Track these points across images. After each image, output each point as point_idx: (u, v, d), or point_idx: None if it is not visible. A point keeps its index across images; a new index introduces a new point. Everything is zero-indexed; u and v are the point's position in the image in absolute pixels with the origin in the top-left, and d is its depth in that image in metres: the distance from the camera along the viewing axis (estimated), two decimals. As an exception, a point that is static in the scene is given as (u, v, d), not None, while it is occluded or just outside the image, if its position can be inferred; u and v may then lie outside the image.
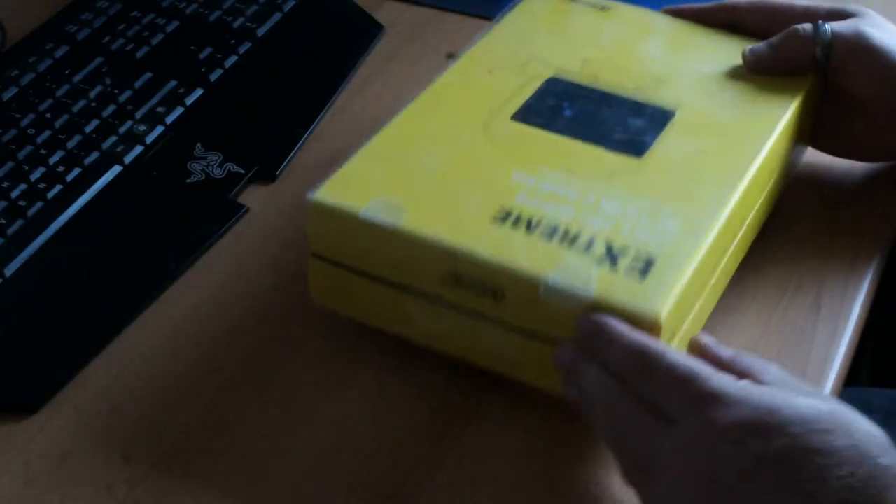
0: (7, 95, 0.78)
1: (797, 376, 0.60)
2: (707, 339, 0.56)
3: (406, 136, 0.63)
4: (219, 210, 0.71)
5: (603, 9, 0.74)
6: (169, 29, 0.85)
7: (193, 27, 0.85)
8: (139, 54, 0.82)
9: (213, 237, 0.69)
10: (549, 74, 0.68)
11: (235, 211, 0.71)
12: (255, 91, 0.81)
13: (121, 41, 0.83)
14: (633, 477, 0.51)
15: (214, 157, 0.74)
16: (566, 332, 0.54)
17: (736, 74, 0.68)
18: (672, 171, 0.61)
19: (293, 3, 0.87)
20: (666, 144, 0.63)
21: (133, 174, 0.73)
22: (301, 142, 0.76)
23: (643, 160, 0.61)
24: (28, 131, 0.75)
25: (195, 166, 0.73)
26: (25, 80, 0.80)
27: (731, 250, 0.62)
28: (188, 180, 0.72)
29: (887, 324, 0.93)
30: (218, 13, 0.86)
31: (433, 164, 0.61)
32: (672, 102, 0.65)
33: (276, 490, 0.56)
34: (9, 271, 0.66)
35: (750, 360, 0.53)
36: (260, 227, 0.70)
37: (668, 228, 0.57)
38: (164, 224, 0.70)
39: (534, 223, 0.57)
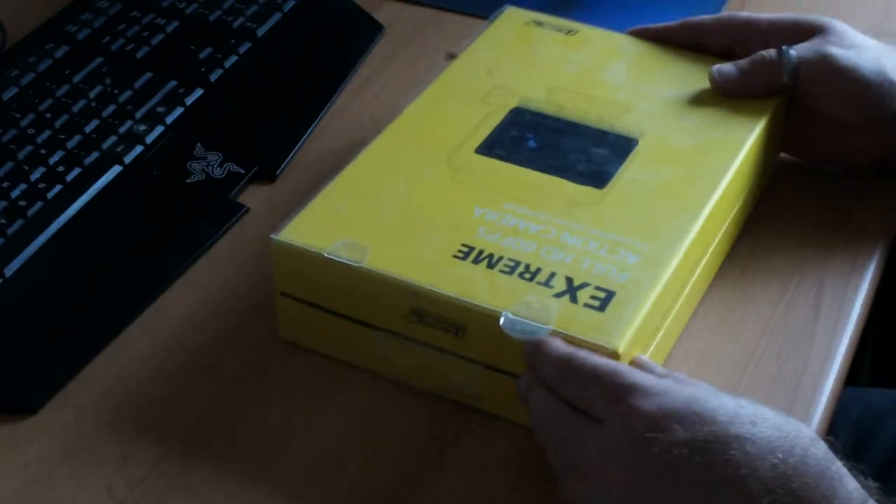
0: (7, 95, 0.78)
1: (797, 376, 0.61)
2: (643, 358, 0.56)
3: (370, 173, 0.64)
4: (219, 210, 0.71)
5: (569, 32, 0.74)
6: (169, 29, 0.85)
7: (193, 27, 0.85)
8: (139, 54, 0.82)
9: (213, 237, 0.69)
10: (514, 104, 0.68)
11: (235, 211, 0.71)
12: (255, 91, 0.81)
13: (121, 41, 0.83)
14: (573, 488, 0.51)
15: (214, 157, 0.74)
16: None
17: (701, 98, 0.68)
18: (633, 203, 0.61)
19: (293, 3, 0.87)
20: (628, 175, 0.63)
21: (133, 174, 0.73)
22: (301, 142, 0.76)
23: (605, 191, 0.62)
24: (28, 131, 0.75)
25: (195, 166, 0.73)
26: (25, 80, 0.80)
27: (694, 277, 0.62)
28: (188, 180, 0.72)
29: (887, 324, 0.93)
30: (218, 13, 0.86)
31: (396, 200, 0.62)
32: (636, 130, 0.66)
33: (276, 490, 0.56)
34: (9, 271, 0.66)
35: (681, 374, 0.53)
36: (260, 227, 0.70)
37: (628, 262, 0.58)
38: (164, 224, 0.70)
39: (495, 259, 0.58)
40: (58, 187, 0.71)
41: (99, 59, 0.81)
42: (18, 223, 0.68)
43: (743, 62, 0.68)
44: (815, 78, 0.66)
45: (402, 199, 0.62)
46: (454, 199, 0.62)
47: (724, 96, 0.68)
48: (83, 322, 0.64)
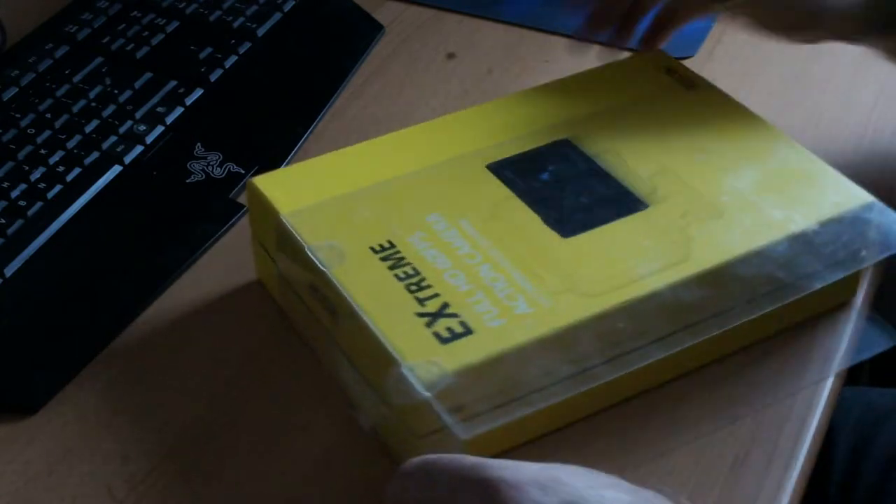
0: (7, 95, 0.78)
1: (796, 376, 0.61)
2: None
3: (375, 149, 0.65)
4: (219, 210, 0.71)
5: (690, 87, 0.70)
6: (169, 29, 0.85)
7: (193, 27, 0.85)
8: (139, 54, 0.82)
9: (213, 237, 0.69)
10: (564, 136, 0.66)
11: (235, 211, 0.71)
12: (255, 91, 0.81)
13: (121, 41, 0.83)
14: None
15: (214, 157, 0.74)
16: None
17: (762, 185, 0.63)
18: (581, 260, 0.58)
19: (293, 3, 0.87)
20: (601, 235, 0.60)
21: (133, 174, 0.73)
22: (301, 142, 0.76)
23: (567, 241, 0.59)
24: (28, 131, 0.75)
25: (195, 166, 0.73)
26: (25, 80, 0.80)
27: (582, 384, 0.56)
28: (188, 180, 0.72)
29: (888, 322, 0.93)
30: (218, 13, 0.86)
31: (374, 178, 0.62)
32: (655, 198, 0.62)
33: (276, 490, 0.56)
34: (9, 271, 0.66)
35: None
36: (260, 226, 0.70)
37: (516, 310, 0.55)
38: (164, 224, 0.70)
39: (402, 262, 0.57)
40: (58, 187, 0.71)
41: (99, 59, 0.81)
42: (18, 223, 0.68)
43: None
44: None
45: (379, 180, 0.62)
46: (421, 198, 0.61)
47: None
48: (83, 322, 0.64)
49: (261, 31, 0.85)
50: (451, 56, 0.81)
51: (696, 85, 0.69)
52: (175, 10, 0.86)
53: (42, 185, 0.71)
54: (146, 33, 0.84)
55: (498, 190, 0.62)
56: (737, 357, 0.61)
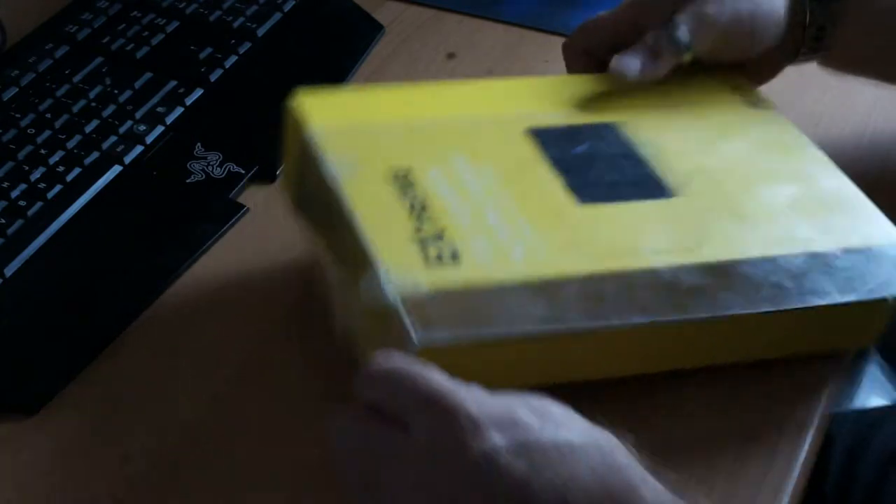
0: (7, 95, 0.78)
1: (797, 376, 0.61)
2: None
3: (421, 92, 0.66)
4: (219, 210, 0.71)
5: (752, 105, 0.69)
6: (169, 29, 0.85)
7: (193, 27, 0.85)
8: (139, 54, 0.82)
9: (213, 237, 0.69)
10: (610, 120, 0.66)
11: (235, 211, 0.71)
12: (255, 91, 0.81)
13: (121, 41, 0.83)
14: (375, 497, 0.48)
15: (214, 157, 0.74)
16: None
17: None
18: (587, 226, 0.58)
19: (293, 3, 0.87)
20: (617, 210, 0.60)
21: (133, 174, 0.73)
22: (301, 142, 0.76)
23: (579, 208, 0.59)
24: (28, 131, 0.75)
25: (195, 166, 0.73)
26: (25, 80, 0.80)
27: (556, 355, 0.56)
28: (188, 180, 0.72)
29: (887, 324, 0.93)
30: (218, 13, 0.86)
31: (409, 112, 0.64)
32: (683, 191, 0.62)
33: (277, 490, 0.56)
34: (9, 271, 0.66)
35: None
36: (260, 227, 0.70)
37: (510, 251, 0.56)
38: (164, 224, 0.70)
39: (412, 191, 0.58)
40: (58, 187, 0.71)
41: (99, 59, 0.81)
42: (18, 223, 0.68)
43: (641, 56, 0.67)
44: (709, 45, 0.67)
45: (416, 117, 0.63)
46: (452, 140, 0.62)
47: (638, 83, 0.66)
48: (83, 322, 0.64)
49: (261, 31, 0.85)
50: (451, 56, 0.81)
51: (758, 104, 0.69)
52: (175, 10, 0.86)
53: (42, 185, 0.71)
54: (146, 33, 0.84)
55: (529, 151, 0.63)
56: (736, 371, 0.60)
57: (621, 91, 0.67)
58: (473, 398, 0.47)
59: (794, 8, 0.69)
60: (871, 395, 0.62)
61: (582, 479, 0.45)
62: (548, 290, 0.55)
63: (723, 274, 0.57)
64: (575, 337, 0.55)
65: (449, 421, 0.46)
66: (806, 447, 0.58)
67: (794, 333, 0.59)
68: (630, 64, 0.66)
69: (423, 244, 0.55)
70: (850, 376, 0.63)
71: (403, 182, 0.59)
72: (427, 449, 0.46)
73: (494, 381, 0.51)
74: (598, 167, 0.62)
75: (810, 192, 0.63)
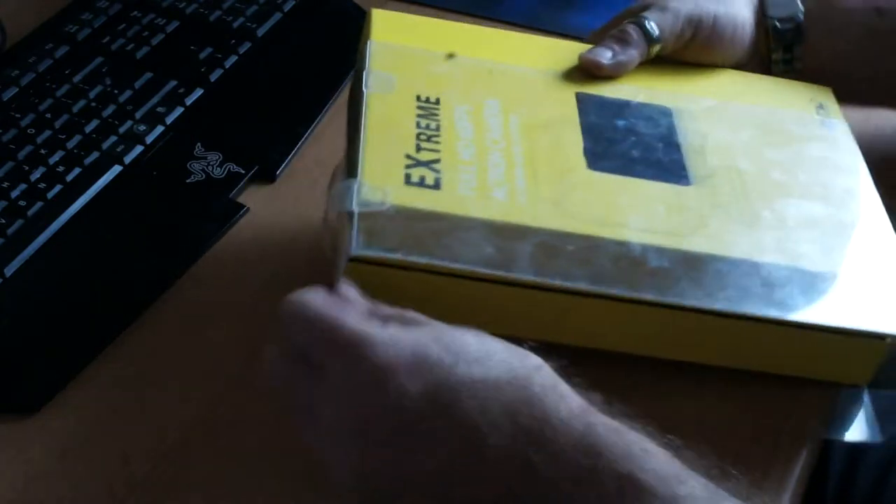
0: (7, 95, 0.78)
1: (797, 379, 0.61)
2: (352, 293, 0.52)
3: (491, 36, 0.69)
4: (219, 210, 0.71)
5: (826, 126, 0.69)
6: (169, 29, 0.85)
7: (193, 27, 0.85)
8: (139, 54, 0.82)
9: (213, 237, 0.69)
10: (669, 105, 0.67)
11: (235, 211, 0.71)
12: (255, 91, 0.81)
13: (121, 41, 0.83)
14: (308, 433, 0.50)
15: (214, 157, 0.74)
16: None
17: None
18: (584, 189, 0.59)
19: (293, 3, 0.87)
20: (623, 183, 0.60)
21: (133, 174, 0.73)
22: (301, 142, 0.76)
23: (586, 172, 0.60)
24: (28, 131, 0.75)
25: (195, 166, 0.73)
26: (25, 80, 0.80)
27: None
28: (188, 180, 0.72)
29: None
30: (218, 13, 0.86)
31: (472, 50, 0.67)
32: (703, 182, 0.62)
33: (276, 490, 0.56)
34: (9, 271, 0.66)
35: (410, 313, 0.51)
36: (260, 227, 0.70)
37: (493, 193, 0.57)
38: (164, 224, 0.70)
39: (433, 118, 0.61)
40: (58, 187, 0.71)
41: (99, 59, 0.81)
42: (18, 223, 0.68)
43: (612, 47, 0.68)
44: (674, 37, 0.69)
45: (476, 56, 0.66)
46: (495, 84, 0.64)
47: (603, 79, 0.67)
48: (83, 322, 0.64)
49: (261, 31, 0.85)
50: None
51: (831, 121, 0.68)
52: (175, 10, 0.86)
53: (42, 185, 0.71)
54: (146, 33, 0.84)
55: (568, 112, 0.64)
56: (734, 372, 0.60)
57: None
58: (385, 342, 0.47)
59: (759, 22, 0.71)
60: (858, 429, 0.61)
61: (493, 415, 0.46)
62: (505, 234, 0.55)
63: (694, 264, 0.57)
64: (513, 288, 0.54)
65: (359, 369, 0.47)
66: (805, 451, 0.58)
67: (763, 347, 0.58)
68: (602, 52, 0.68)
69: (412, 166, 0.57)
70: (841, 407, 0.62)
71: (428, 108, 0.61)
72: (341, 394, 0.47)
73: (431, 313, 0.51)
74: (628, 142, 0.63)
75: (836, 216, 0.62)
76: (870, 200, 0.64)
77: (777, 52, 0.72)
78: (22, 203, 0.69)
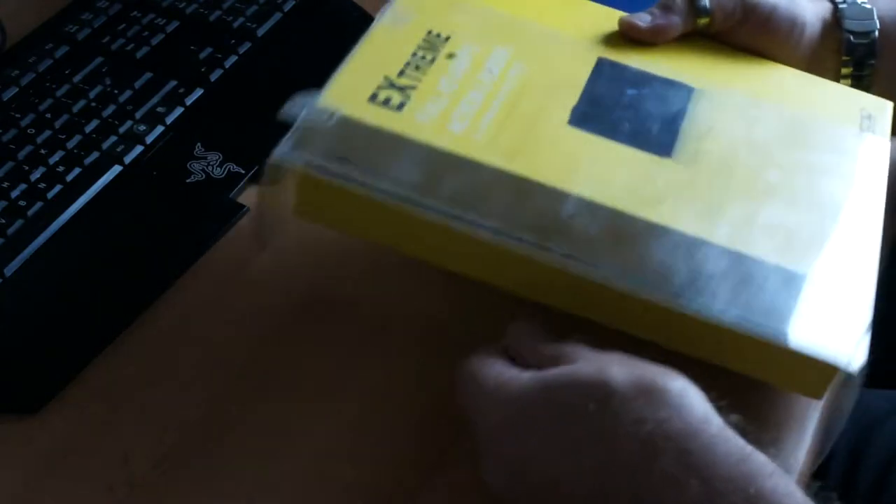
0: (7, 95, 0.78)
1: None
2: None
3: None
4: (219, 210, 0.71)
5: (868, 132, 0.65)
6: (169, 29, 0.85)
7: (193, 27, 0.85)
8: (139, 54, 0.82)
9: (213, 237, 0.69)
10: (695, 86, 0.64)
11: (235, 211, 0.71)
12: (255, 91, 0.81)
13: (121, 41, 0.83)
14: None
15: (214, 157, 0.74)
16: None
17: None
18: (552, 142, 0.58)
19: (293, 3, 0.87)
20: (597, 143, 0.58)
21: (133, 174, 0.73)
22: (301, 142, 0.76)
23: (561, 127, 0.59)
24: (28, 131, 0.75)
25: (195, 166, 0.73)
26: (25, 80, 0.80)
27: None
28: (188, 180, 0.72)
29: (887, 324, 0.93)
30: (218, 13, 0.86)
31: (508, 4, 0.66)
32: (682, 159, 0.59)
33: (276, 490, 0.56)
34: (9, 271, 0.66)
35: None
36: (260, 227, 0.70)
37: (452, 125, 0.57)
38: (164, 224, 0.70)
39: (433, 51, 0.61)
40: (58, 187, 0.71)
41: (99, 59, 0.81)
42: (18, 223, 0.68)
43: (654, 11, 0.67)
44: (724, 15, 0.67)
45: (507, 11, 0.66)
46: (515, 37, 0.64)
47: (638, 43, 0.66)
48: (83, 322, 0.64)
49: (261, 31, 0.85)
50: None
51: (873, 134, 0.64)
52: (175, 10, 0.86)
53: (42, 185, 0.71)
54: (146, 33, 0.84)
55: (580, 74, 0.62)
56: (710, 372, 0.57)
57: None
58: (625, 369, 0.50)
59: (829, 32, 0.69)
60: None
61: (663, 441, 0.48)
62: (438, 162, 0.55)
63: (625, 231, 0.54)
64: (423, 216, 0.54)
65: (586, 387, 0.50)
66: (805, 449, 0.58)
67: (685, 334, 0.54)
68: (642, 15, 0.66)
69: (385, 87, 0.58)
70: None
71: (432, 41, 0.62)
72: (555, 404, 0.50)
73: (349, 231, 0.56)
74: (627, 111, 0.61)
75: (816, 226, 0.57)
76: (867, 222, 0.59)
77: (848, 66, 0.69)
78: (22, 203, 0.70)
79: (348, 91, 0.57)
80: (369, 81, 0.58)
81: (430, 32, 0.62)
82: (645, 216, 0.55)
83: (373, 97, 0.58)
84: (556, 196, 0.55)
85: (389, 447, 0.58)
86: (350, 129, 0.56)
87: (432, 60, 0.60)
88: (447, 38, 0.62)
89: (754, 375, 0.56)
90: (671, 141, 0.60)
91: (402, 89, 0.58)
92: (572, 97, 0.61)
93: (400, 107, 0.57)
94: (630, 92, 0.62)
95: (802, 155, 0.62)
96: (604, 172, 0.57)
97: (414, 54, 0.61)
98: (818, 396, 0.55)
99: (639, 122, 0.60)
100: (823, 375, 0.54)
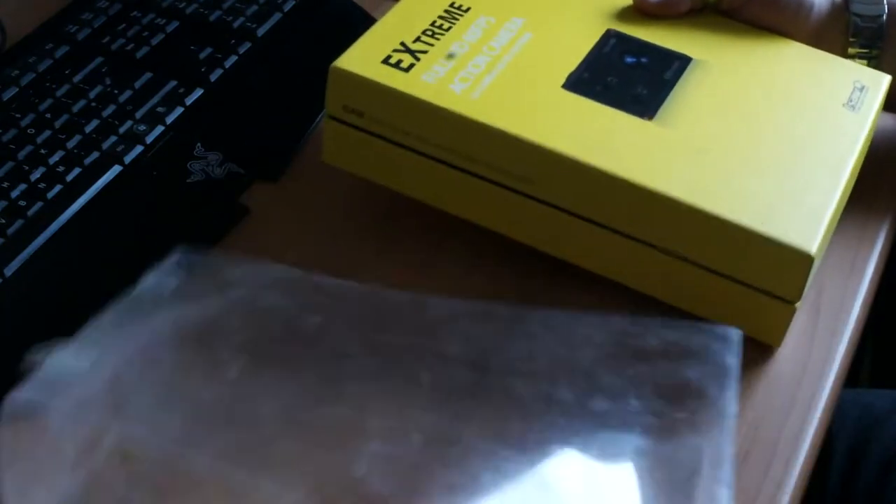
0: (7, 95, 0.78)
1: (796, 377, 0.61)
2: None
3: None
4: (219, 210, 0.71)
5: (851, 112, 0.68)
6: (169, 29, 0.85)
7: (193, 27, 0.85)
8: (139, 54, 0.82)
9: (214, 237, 0.69)
10: (695, 56, 0.68)
11: (236, 211, 0.71)
12: (255, 91, 0.81)
13: (121, 41, 0.83)
14: None
15: (214, 157, 0.74)
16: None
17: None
18: (545, 103, 0.63)
19: (293, 3, 0.87)
20: (588, 106, 0.64)
21: (133, 174, 0.73)
22: (301, 142, 0.76)
23: (554, 90, 0.64)
24: (28, 131, 0.75)
25: (195, 166, 0.73)
26: (25, 80, 0.80)
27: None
28: (188, 180, 0.72)
29: (887, 324, 0.93)
30: (218, 13, 0.86)
31: None
32: (664, 122, 0.64)
33: (278, 489, 0.56)
34: (9, 271, 0.66)
35: None
36: (260, 227, 0.70)
37: (453, 85, 0.63)
38: (164, 224, 0.70)
39: (453, 20, 0.67)
40: (58, 187, 0.71)
41: (99, 59, 0.81)
42: (18, 223, 0.68)
43: None
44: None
45: None
46: (534, 4, 0.69)
47: (648, 15, 0.70)
48: (83, 322, 0.64)
49: (261, 31, 0.85)
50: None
51: (857, 113, 0.67)
52: (175, 10, 0.86)
53: (42, 185, 0.71)
54: (146, 33, 0.84)
55: (585, 42, 0.67)
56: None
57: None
58: None
59: (838, 15, 0.70)
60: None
61: None
62: (435, 116, 0.62)
63: (588, 181, 0.61)
64: (423, 162, 0.64)
65: None
66: (805, 449, 0.58)
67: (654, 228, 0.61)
68: None
69: (399, 51, 0.65)
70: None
71: (453, 13, 0.68)
72: None
73: (369, 174, 0.67)
74: (622, 76, 0.66)
75: (775, 188, 0.61)
76: (832, 180, 0.62)
77: (855, 47, 0.71)
78: (22, 203, 0.69)
79: (365, 53, 0.65)
80: (387, 45, 0.65)
81: (452, 5, 0.69)
82: (604, 167, 0.60)
83: (386, 59, 0.64)
84: (531, 148, 0.61)
85: (390, 446, 0.57)
86: (362, 86, 0.64)
87: (447, 30, 0.67)
88: (468, 9, 0.68)
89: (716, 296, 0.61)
90: (657, 105, 0.64)
91: (414, 53, 0.65)
92: (572, 64, 0.66)
93: (409, 68, 0.64)
94: (628, 60, 0.67)
95: (782, 126, 0.65)
96: (581, 130, 0.62)
97: (433, 23, 0.67)
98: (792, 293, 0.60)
99: (628, 87, 0.65)
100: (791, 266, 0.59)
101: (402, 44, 0.65)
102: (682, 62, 0.67)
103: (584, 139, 0.61)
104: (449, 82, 0.63)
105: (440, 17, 0.67)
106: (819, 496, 0.73)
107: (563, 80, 0.65)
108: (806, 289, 0.62)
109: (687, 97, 0.65)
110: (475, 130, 0.62)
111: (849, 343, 0.63)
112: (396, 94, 0.63)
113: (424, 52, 0.65)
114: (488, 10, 0.68)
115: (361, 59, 0.65)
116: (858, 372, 1.00)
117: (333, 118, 0.66)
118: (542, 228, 0.64)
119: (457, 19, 0.67)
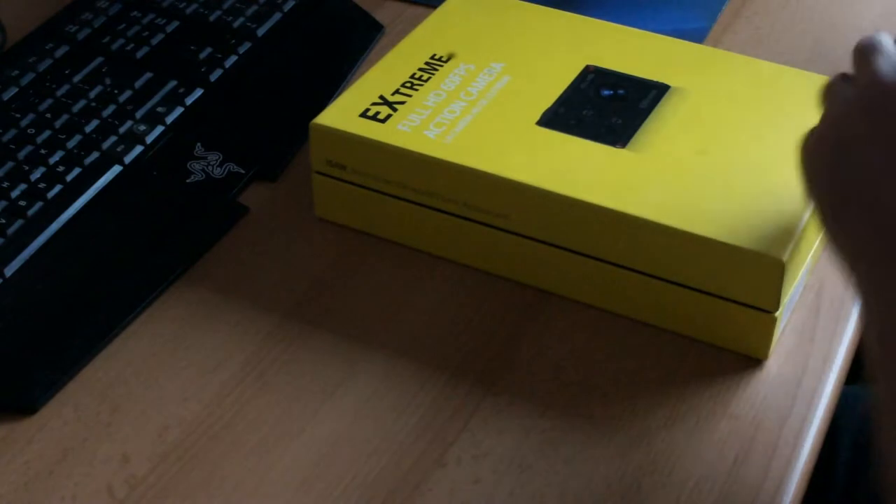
0: (7, 95, 0.78)
1: (797, 376, 0.61)
2: None
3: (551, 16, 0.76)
4: (219, 210, 0.71)
5: None
6: (169, 29, 0.85)
7: (193, 27, 0.85)
8: (139, 54, 0.82)
9: (213, 237, 0.69)
10: (674, 84, 0.69)
11: (235, 211, 0.71)
12: (255, 91, 0.81)
13: (121, 41, 0.83)
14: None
15: (214, 157, 0.74)
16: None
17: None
18: (517, 141, 0.65)
19: (293, 3, 0.87)
20: (562, 140, 0.65)
21: (133, 174, 0.73)
22: (301, 142, 0.76)
23: (529, 128, 0.66)
24: (28, 131, 0.75)
25: (195, 166, 0.73)
26: (25, 80, 0.80)
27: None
28: (188, 180, 0.72)
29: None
30: (218, 13, 0.86)
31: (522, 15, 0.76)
32: (635, 148, 0.64)
33: (276, 490, 0.56)
34: (9, 271, 0.66)
35: None
36: (260, 227, 0.70)
37: (429, 131, 0.65)
38: (164, 224, 0.70)
39: (431, 73, 0.69)
40: (58, 187, 0.71)
41: (99, 59, 0.81)
42: (18, 223, 0.68)
43: None
44: None
45: (521, 20, 0.75)
46: (515, 48, 0.72)
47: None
48: (83, 322, 0.64)
49: (261, 31, 0.85)
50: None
51: None
52: (175, 10, 0.86)
53: (42, 185, 0.71)
54: (146, 33, 0.84)
55: (562, 82, 0.69)
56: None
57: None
58: None
59: None
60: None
61: None
62: (410, 161, 0.64)
63: (560, 210, 0.62)
64: (406, 208, 0.66)
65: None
66: (808, 446, 0.58)
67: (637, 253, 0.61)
68: None
69: (378, 104, 0.67)
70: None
71: (435, 62, 0.70)
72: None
73: (359, 225, 0.68)
74: (599, 108, 0.67)
75: (750, 205, 0.61)
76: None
77: None
78: (22, 203, 0.69)
79: (345, 108, 0.68)
80: (366, 99, 0.68)
81: (433, 56, 0.71)
82: (572, 194, 0.61)
83: (364, 112, 0.67)
84: (501, 183, 0.63)
85: (389, 447, 0.58)
86: (341, 140, 0.66)
87: (426, 80, 0.69)
88: (449, 59, 0.71)
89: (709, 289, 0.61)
90: (630, 133, 0.65)
91: (391, 104, 0.67)
92: (548, 102, 0.67)
93: (386, 119, 0.66)
94: (605, 93, 0.68)
95: (756, 145, 0.65)
96: (550, 162, 0.64)
97: (412, 75, 0.69)
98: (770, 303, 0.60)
99: (603, 119, 0.66)
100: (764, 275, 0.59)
101: (381, 97, 0.68)
102: (660, 90, 0.68)
103: (553, 170, 0.63)
104: (424, 129, 0.65)
105: (420, 70, 0.70)
106: (825, 493, 0.73)
107: (537, 118, 0.66)
108: (800, 294, 0.62)
109: (661, 124, 0.66)
110: (448, 171, 0.64)
111: (849, 343, 0.63)
112: (373, 145, 0.65)
113: (402, 102, 0.67)
114: (469, 57, 0.71)
115: (341, 114, 0.67)
116: (859, 371, 1.00)
117: (319, 173, 0.68)
118: (522, 261, 0.65)
119: (437, 69, 0.70)
